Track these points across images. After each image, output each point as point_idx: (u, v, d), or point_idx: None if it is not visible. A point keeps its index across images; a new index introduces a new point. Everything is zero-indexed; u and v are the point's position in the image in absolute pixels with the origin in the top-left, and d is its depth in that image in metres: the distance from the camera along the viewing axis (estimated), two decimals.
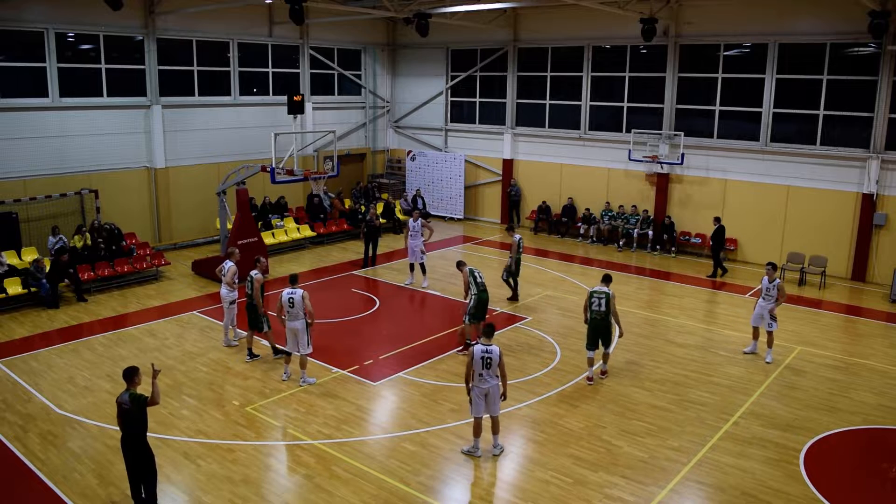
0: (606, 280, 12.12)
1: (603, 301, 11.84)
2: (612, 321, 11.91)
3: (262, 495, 8.71)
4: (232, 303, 13.42)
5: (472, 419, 9.57)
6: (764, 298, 13.11)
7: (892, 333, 15.07)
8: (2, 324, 14.72)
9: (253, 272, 12.79)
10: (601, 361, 12.32)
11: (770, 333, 13.08)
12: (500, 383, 9.41)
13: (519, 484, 9.06)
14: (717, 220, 18.90)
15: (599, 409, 11.12)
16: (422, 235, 17.58)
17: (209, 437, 10.09)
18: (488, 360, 9.19)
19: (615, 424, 10.61)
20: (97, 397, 11.29)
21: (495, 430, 9.70)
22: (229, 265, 13.35)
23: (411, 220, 17.97)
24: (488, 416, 9.56)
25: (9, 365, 12.54)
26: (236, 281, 13.40)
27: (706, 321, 15.48)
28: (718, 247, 18.90)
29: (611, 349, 12.37)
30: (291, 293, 11.56)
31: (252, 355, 12.92)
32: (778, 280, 13.09)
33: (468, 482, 9.13)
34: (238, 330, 13.78)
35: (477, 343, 9.38)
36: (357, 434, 10.26)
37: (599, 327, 11.92)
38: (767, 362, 13.02)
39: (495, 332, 9.58)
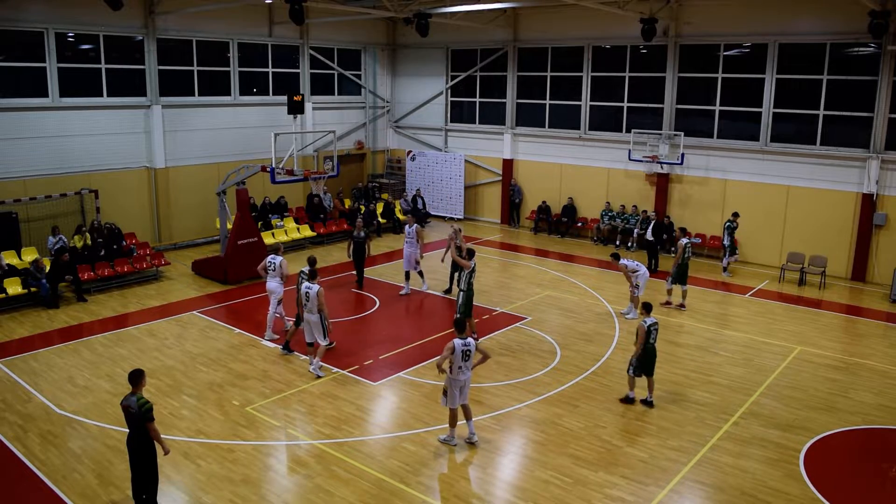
0: (683, 231, 16.59)
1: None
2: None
3: (262, 495, 8.71)
4: (280, 301, 13.74)
5: (450, 410, 9.81)
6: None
7: (892, 333, 15.07)
8: (2, 324, 14.72)
9: (306, 269, 12.94)
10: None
11: None
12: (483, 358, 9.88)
13: (519, 484, 9.06)
14: (657, 213, 20.67)
15: (599, 409, 11.13)
16: (416, 243, 16.88)
17: (209, 437, 10.09)
18: (468, 353, 9.57)
19: (615, 424, 10.61)
20: (97, 397, 11.29)
21: (469, 415, 9.93)
22: (280, 258, 13.83)
23: (406, 226, 17.36)
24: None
25: (9, 365, 12.54)
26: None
27: (706, 321, 15.47)
28: (658, 241, 19.89)
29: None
30: (308, 288, 11.96)
31: (288, 349, 13.22)
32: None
33: (468, 482, 9.13)
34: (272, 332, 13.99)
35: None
36: (357, 434, 10.26)
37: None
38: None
39: (468, 331, 10.06)
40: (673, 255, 21.05)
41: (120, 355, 13.03)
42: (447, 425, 9.99)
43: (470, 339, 9.66)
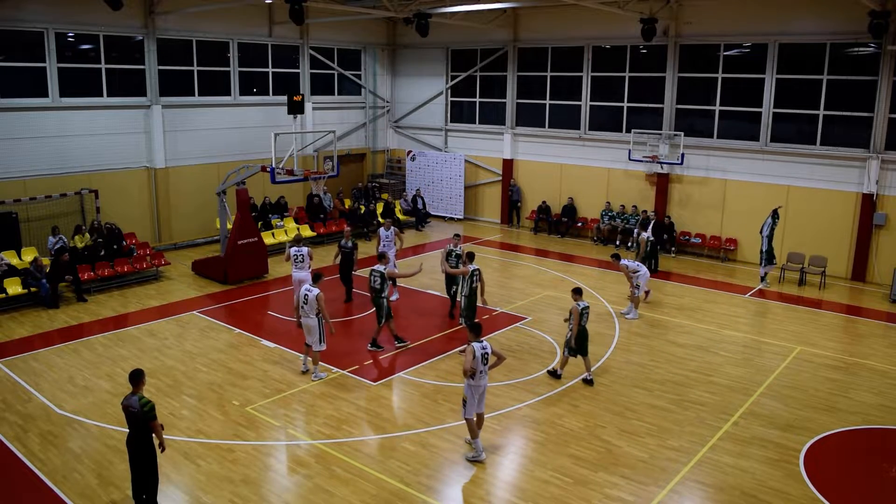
0: (643, 226, 18.04)
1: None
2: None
3: (262, 495, 8.71)
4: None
5: (467, 420, 9.53)
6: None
7: (892, 333, 15.07)
8: (2, 324, 14.72)
9: (381, 267, 13.13)
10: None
11: None
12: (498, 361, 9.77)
13: (519, 484, 9.07)
14: (656, 213, 20.72)
15: (599, 409, 11.12)
16: (394, 245, 16.34)
17: (209, 437, 10.09)
18: (486, 356, 9.44)
19: (615, 424, 10.61)
20: (97, 397, 11.29)
21: (480, 424, 9.82)
22: (307, 248, 14.66)
23: (382, 228, 16.45)
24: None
25: (9, 365, 12.54)
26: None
27: (706, 321, 15.47)
28: (658, 241, 19.74)
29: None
30: (307, 291, 11.82)
31: (401, 340, 13.62)
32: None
33: (468, 482, 9.14)
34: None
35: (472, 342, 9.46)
36: (357, 434, 10.26)
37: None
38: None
39: (483, 332, 9.81)
40: (673, 254, 21.17)
41: (120, 355, 13.03)
42: (468, 438, 9.68)
43: (486, 342, 9.50)
